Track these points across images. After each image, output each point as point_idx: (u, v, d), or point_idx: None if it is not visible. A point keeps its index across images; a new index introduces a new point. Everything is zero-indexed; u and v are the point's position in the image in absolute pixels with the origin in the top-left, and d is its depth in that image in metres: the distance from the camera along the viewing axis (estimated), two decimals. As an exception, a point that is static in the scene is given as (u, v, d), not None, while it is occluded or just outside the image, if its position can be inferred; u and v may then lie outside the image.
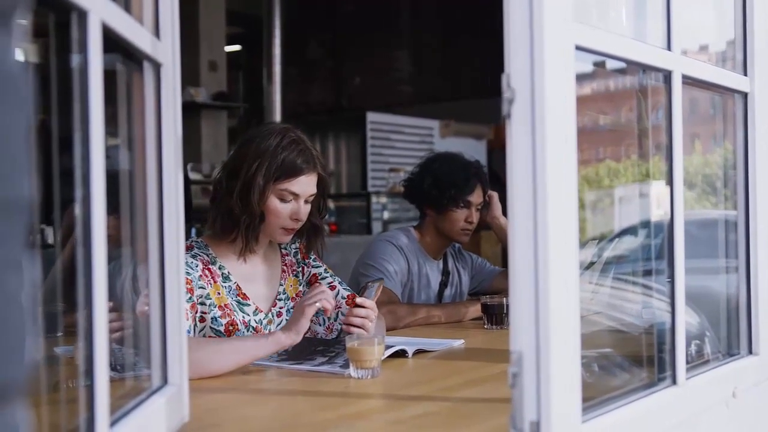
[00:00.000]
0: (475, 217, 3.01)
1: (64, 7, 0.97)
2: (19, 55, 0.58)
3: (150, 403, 1.28)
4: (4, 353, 0.56)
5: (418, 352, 2.17)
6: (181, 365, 1.40)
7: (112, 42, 1.12)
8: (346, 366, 1.89)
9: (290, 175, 2.17)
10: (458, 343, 2.34)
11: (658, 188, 1.89)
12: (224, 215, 2.19)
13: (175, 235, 1.38)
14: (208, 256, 2.21)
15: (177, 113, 1.39)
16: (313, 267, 2.41)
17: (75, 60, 1.03)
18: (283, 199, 2.18)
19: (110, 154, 1.10)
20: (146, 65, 1.33)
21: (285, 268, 2.37)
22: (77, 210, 1.03)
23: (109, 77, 1.09)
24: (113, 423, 1.10)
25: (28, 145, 0.58)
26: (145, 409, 1.24)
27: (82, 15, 0.99)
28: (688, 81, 1.57)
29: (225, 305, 2.17)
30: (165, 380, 1.37)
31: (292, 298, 2.34)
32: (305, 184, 2.19)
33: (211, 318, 2.14)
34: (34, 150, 0.60)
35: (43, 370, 1.24)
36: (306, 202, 2.22)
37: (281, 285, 2.34)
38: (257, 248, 2.27)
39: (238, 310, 2.20)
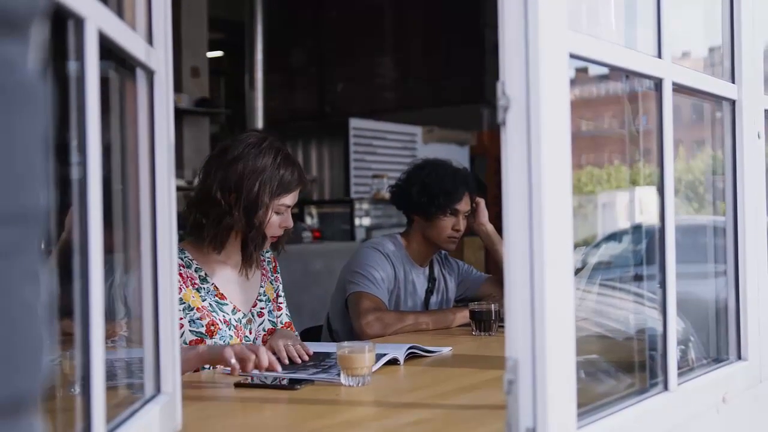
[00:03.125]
0: (462, 224, 3.01)
1: (60, 14, 0.97)
2: (36, 64, 0.58)
3: (144, 412, 1.27)
4: (23, 364, 0.55)
5: (410, 356, 2.17)
6: (174, 374, 1.39)
7: (106, 49, 1.11)
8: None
9: (289, 190, 2.28)
10: (447, 350, 2.34)
11: (641, 194, 1.90)
12: (225, 231, 2.24)
13: (168, 243, 1.38)
14: (182, 259, 2.24)
15: (170, 121, 1.38)
16: (279, 283, 2.52)
17: (70, 66, 1.02)
18: (278, 213, 2.28)
19: (102, 161, 1.10)
20: (139, 72, 1.33)
21: (264, 271, 2.45)
22: (67, 217, 1.03)
23: (102, 84, 1.09)
24: (108, 433, 1.09)
25: (44, 155, 0.58)
26: (139, 418, 1.23)
27: (79, 22, 0.99)
28: (678, 88, 1.58)
29: (202, 307, 2.22)
30: (158, 389, 1.36)
31: (272, 300, 2.43)
32: (296, 196, 2.32)
33: (190, 321, 2.18)
34: (50, 159, 0.60)
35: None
36: (291, 210, 2.34)
37: (261, 287, 2.41)
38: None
39: (217, 309, 2.25)
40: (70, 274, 1.02)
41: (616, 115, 1.94)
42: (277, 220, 2.28)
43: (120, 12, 1.27)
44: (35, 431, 0.57)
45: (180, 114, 7.23)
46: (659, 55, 1.52)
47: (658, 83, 1.52)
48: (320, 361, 2.12)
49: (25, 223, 0.56)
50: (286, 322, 2.44)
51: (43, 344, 0.58)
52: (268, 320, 2.39)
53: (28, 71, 0.57)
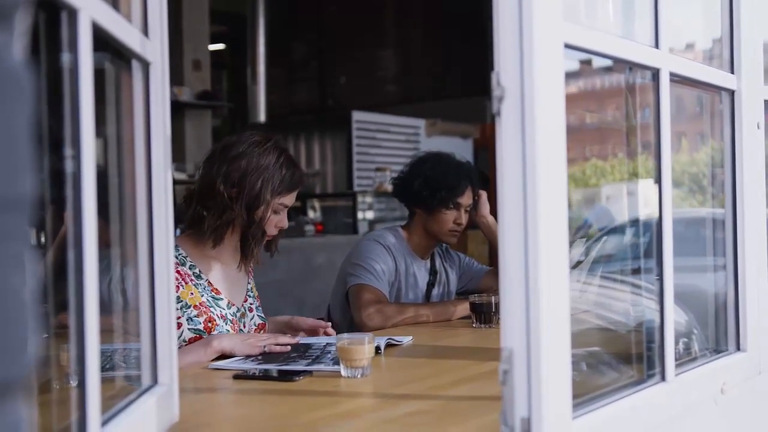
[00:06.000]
0: (464, 218, 3.00)
1: (54, 4, 0.97)
2: (21, 53, 0.58)
3: (140, 403, 1.27)
4: (8, 350, 0.56)
5: (389, 346, 2.23)
6: (171, 365, 1.40)
7: (101, 40, 1.11)
8: (336, 363, 1.89)
9: (290, 190, 2.32)
10: (407, 339, 2.37)
11: (644, 187, 1.90)
12: (225, 225, 2.27)
13: (164, 235, 1.38)
14: (177, 257, 2.25)
15: (166, 113, 1.39)
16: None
17: (64, 58, 1.02)
18: (276, 212, 2.31)
19: (99, 154, 1.10)
20: (135, 64, 1.33)
21: (250, 269, 2.48)
22: (67, 211, 1.03)
23: (97, 76, 1.09)
24: (104, 423, 1.09)
25: (29, 142, 0.59)
26: (135, 409, 1.24)
27: (72, 13, 0.99)
28: (676, 79, 1.58)
29: (200, 303, 2.25)
30: (155, 380, 1.37)
31: (256, 297, 2.47)
32: (294, 197, 2.36)
33: (187, 319, 2.20)
34: (35, 147, 0.60)
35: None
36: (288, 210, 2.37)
37: (249, 283, 2.45)
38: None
39: (214, 305, 2.28)
40: (68, 268, 1.02)
41: (621, 108, 1.94)
42: (273, 220, 2.31)
43: (115, 3, 1.27)
44: (20, 416, 0.57)
45: (181, 107, 7.23)
46: (656, 46, 1.51)
47: (655, 73, 1.52)
48: (304, 352, 2.12)
49: (10, 210, 0.56)
50: (259, 324, 2.45)
51: (29, 330, 0.58)
52: (257, 315, 2.44)
53: (13, 60, 0.57)
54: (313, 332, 2.41)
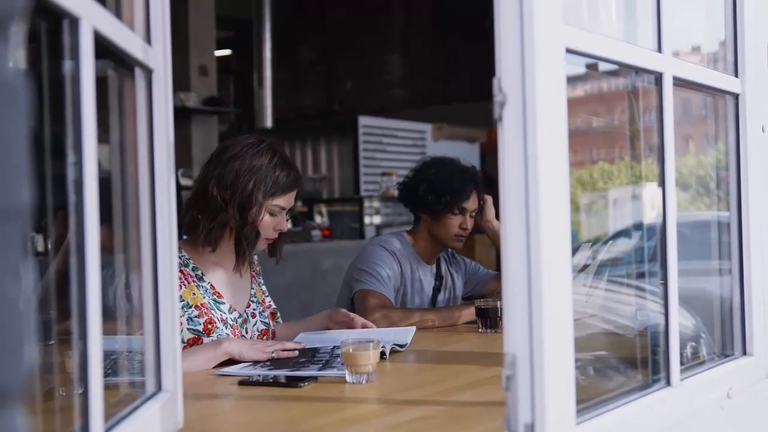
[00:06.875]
0: (470, 223, 3.00)
1: (55, 13, 0.97)
2: (17, 63, 0.58)
3: (144, 409, 1.27)
4: (4, 359, 0.56)
5: (394, 352, 2.22)
6: (175, 372, 1.40)
7: (103, 48, 1.11)
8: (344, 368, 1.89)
9: (284, 191, 2.30)
10: (411, 331, 2.40)
11: (651, 190, 1.90)
12: (219, 227, 2.27)
13: (168, 242, 1.38)
14: (180, 258, 2.25)
15: (169, 119, 1.39)
16: (263, 285, 2.54)
17: (66, 66, 1.03)
18: (272, 214, 2.30)
19: (101, 160, 1.10)
20: (137, 71, 1.33)
21: (253, 274, 2.48)
22: (71, 217, 1.03)
23: (100, 83, 1.09)
24: (107, 430, 1.10)
25: (26, 152, 0.59)
26: (139, 415, 1.24)
27: (74, 22, 0.99)
28: (679, 83, 1.58)
29: (201, 304, 2.25)
30: (159, 387, 1.37)
31: (261, 302, 2.47)
32: (292, 199, 2.34)
33: (188, 319, 2.21)
34: (32, 157, 0.60)
35: (36, 378, 1.24)
36: (287, 213, 2.36)
37: (252, 289, 2.45)
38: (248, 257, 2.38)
39: (215, 308, 2.28)
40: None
41: (627, 111, 1.94)
42: (270, 222, 2.30)
43: (118, 11, 1.27)
44: (16, 424, 0.57)
45: (188, 113, 7.23)
46: (659, 50, 1.51)
47: (658, 78, 1.52)
48: (312, 357, 2.12)
49: (7, 219, 0.56)
50: (262, 330, 2.45)
51: (24, 339, 0.58)
52: (260, 321, 2.43)
53: (9, 70, 0.57)
54: (348, 325, 2.44)
